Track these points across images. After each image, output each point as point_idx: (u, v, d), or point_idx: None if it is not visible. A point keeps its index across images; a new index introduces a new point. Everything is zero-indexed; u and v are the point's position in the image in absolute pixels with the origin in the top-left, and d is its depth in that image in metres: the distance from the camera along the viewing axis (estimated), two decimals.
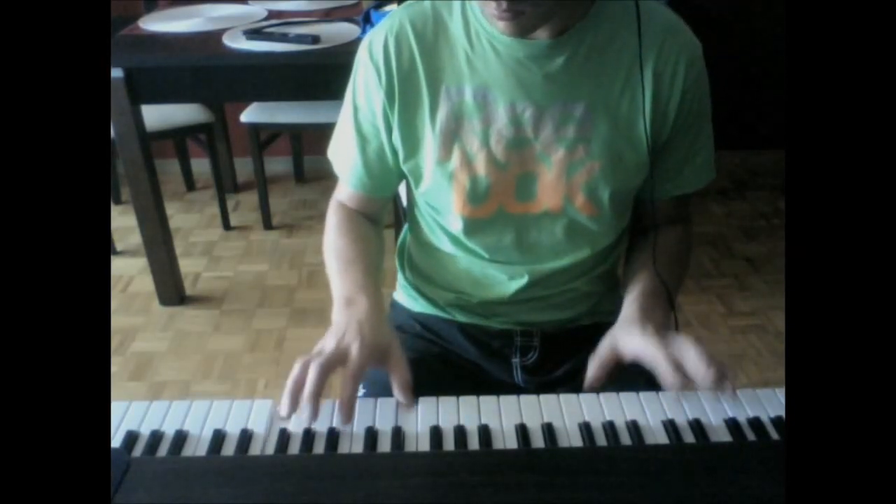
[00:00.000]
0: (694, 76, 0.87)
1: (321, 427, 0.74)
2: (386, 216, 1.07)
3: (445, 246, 0.97)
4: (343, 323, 0.81)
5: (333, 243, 0.96)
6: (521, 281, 0.96)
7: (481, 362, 1.04)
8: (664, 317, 0.88)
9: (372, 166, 0.94)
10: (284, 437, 0.72)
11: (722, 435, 0.73)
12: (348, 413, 0.74)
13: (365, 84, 0.89)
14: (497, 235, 0.93)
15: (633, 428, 0.74)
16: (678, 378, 0.76)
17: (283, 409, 0.73)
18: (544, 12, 0.77)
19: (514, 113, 0.85)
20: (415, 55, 0.86)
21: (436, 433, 0.73)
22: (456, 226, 0.93)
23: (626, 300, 0.91)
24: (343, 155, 0.96)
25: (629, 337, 0.83)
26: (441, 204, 0.93)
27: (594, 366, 0.84)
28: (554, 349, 1.02)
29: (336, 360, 0.76)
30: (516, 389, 1.02)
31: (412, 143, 0.89)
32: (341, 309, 0.85)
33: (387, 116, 0.89)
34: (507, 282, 0.97)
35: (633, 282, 0.93)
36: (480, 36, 0.85)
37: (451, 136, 0.87)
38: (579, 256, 0.95)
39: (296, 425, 0.74)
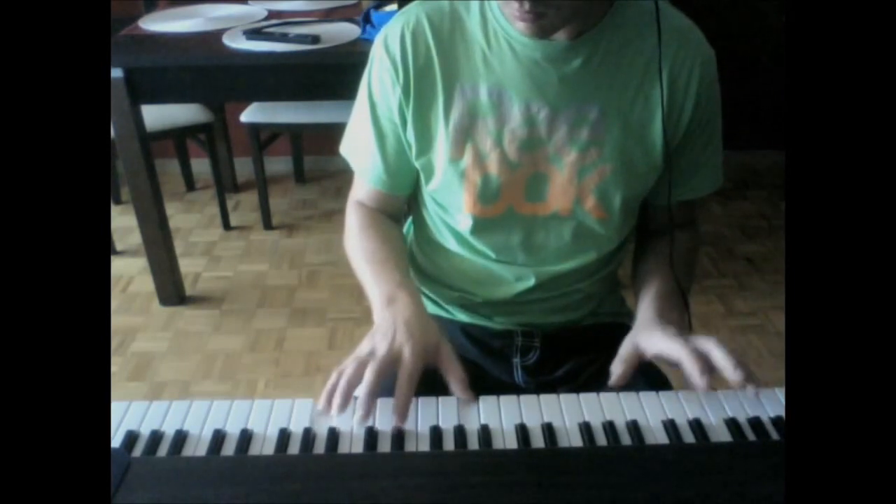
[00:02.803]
0: (708, 82, 0.87)
1: (320, 428, 0.74)
2: (403, 214, 1.06)
3: (451, 244, 0.97)
4: (390, 323, 0.80)
5: (361, 245, 0.95)
6: (527, 282, 0.96)
7: (482, 362, 1.04)
8: (679, 318, 0.88)
9: (391, 163, 0.93)
10: (284, 437, 0.72)
11: (722, 435, 0.73)
12: (403, 415, 0.74)
13: (380, 79, 0.89)
14: (505, 235, 0.93)
15: (633, 428, 0.74)
16: (707, 377, 0.75)
17: (335, 405, 0.73)
18: (565, 15, 0.76)
19: (528, 113, 0.85)
20: (431, 51, 0.86)
21: (436, 433, 0.73)
22: (464, 224, 0.93)
23: (641, 303, 0.91)
24: (361, 152, 0.95)
25: (651, 337, 0.83)
26: (450, 202, 0.93)
27: (619, 365, 0.83)
28: (555, 349, 1.02)
29: (390, 364, 0.76)
30: (517, 389, 1.02)
31: (425, 140, 0.89)
32: (383, 308, 0.83)
33: (402, 111, 0.88)
34: (512, 282, 0.97)
35: (647, 285, 0.93)
36: (498, 35, 0.85)
37: (465, 134, 0.87)
38: (585, 259, 0.95)
39: (341, 423, 0.74)
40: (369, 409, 0.73)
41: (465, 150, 0.87)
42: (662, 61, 0.84)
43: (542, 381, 1.03)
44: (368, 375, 0.74)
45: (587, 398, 0.78)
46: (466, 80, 0.86)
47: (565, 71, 0.83)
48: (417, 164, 0.91)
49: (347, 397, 0.74)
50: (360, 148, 0.95)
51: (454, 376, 0.79)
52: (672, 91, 0.86)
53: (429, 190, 0.94)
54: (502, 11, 0.83)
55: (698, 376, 0.75)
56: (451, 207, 0.93)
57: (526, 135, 0.86)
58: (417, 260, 1.05)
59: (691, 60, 0.85)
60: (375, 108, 0.91)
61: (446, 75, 0.86)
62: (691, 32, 0.87)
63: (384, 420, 0.75)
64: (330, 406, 0.73)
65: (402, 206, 1.03)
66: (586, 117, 0.85)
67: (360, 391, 0.73)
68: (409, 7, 0.89)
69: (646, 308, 0.89)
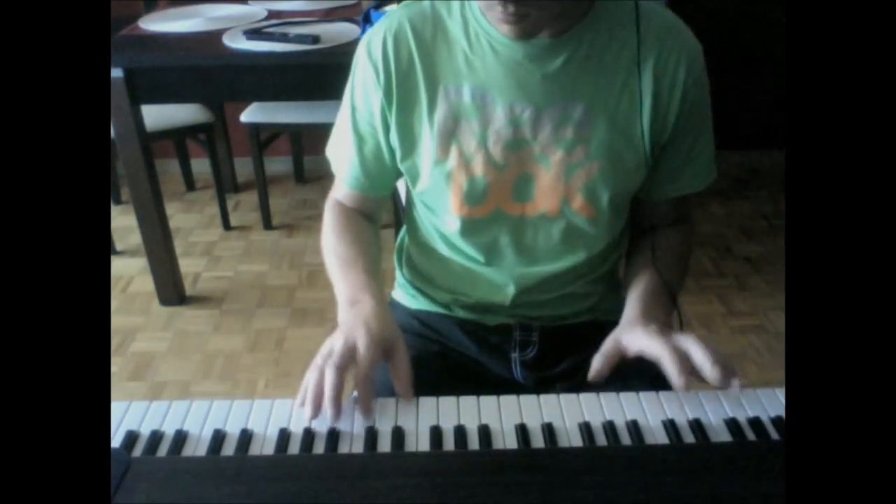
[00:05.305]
0: (694, 77, 0.87)
1: (321, 427, 0.74)
2: (383, 214, 1.07)
3: (441, 247, 0.98)
4: (350, 322, 0.82)
5: (332, 244, 0.96)
6: (518, 284, 0.96)
7: (480, 358, 1.03)
8: (666, 316, 0.88)
9: (368, 166, 0.94)
10: (284, 437, 0.72)
11: (722, 435, 0.73)
12: (367, 412, 0.75)
13: (363, 83, 0.90)
14: (493, 236, 0.93)
15: (633, 428, 0.74)
16: (685, 375, 0.75)
17: (308, 414, 0.74)
18: (549, 14, 0.76)
19: (512, 114, 0.85)
20: (413, 55, 0.86)
21: (436, 433, 0.73)
22: (453, 226, 0.93)
23: (627, 301, 0.91)
24: (340, 154, 0.97)
25: (633, 334, 0.83)
26: (438, 204, 0.93)
27: (598, 360, 0.83)
28: (553, 345, 1.02)
29: (348, 357, 0.77)
30: (515, 385, 1.02)
31: (409, 143, 0.89)
32: (346, 309, 0.85)
33: (384, 116, 0.89)
34: (503, 285, 0.97)
35: (634, 283, 0.93)
36: (479, 36, 0.85)
37: (449, 136, 0.87)
38: (576, 259, 0.95)
39: (319, 425, 0.74)
40: (337, 411, 0.74)
41: (449, 152, 0.87)
42: (647, 58, 0.84)
43: (541, 377, 1.03)
44: (328, 378, 0.75)
45: (587, 398, 0.78)
46: (449, 82, 0.86)
47: (548, 70, 0.83)
48: (402, 168, 0.92)
49: (318, 404, 0.74)
50: (339, 151, 0.97)
51: (399, 374, 0.80)
52: (658, 87, 0.85)
53: (416, 192, 0.94)
54: (484, 14, 0.83)
55: (677, 376, 0.75)
56: (439, 209, 0.93)
57: (510, 135, 0.86)
58: (413, 261, 1.06)
59: (676, 56, 0.85)
60: (355, 112, 0.92)
61: (429, 78, 0.86)
62: (676, 28, 0.87)
63: (384, 420, 0.75)
64: (310, 414, 0.75)
65: (379, 206, 1.04)
66: (571, 116, 0.85)
67: (325, 395, 0.74)
68: (391, 12, 0.90)
69: (631, 306, 0.89)
